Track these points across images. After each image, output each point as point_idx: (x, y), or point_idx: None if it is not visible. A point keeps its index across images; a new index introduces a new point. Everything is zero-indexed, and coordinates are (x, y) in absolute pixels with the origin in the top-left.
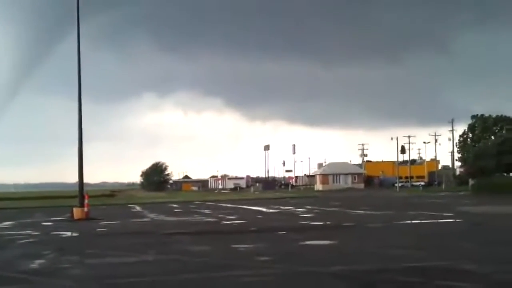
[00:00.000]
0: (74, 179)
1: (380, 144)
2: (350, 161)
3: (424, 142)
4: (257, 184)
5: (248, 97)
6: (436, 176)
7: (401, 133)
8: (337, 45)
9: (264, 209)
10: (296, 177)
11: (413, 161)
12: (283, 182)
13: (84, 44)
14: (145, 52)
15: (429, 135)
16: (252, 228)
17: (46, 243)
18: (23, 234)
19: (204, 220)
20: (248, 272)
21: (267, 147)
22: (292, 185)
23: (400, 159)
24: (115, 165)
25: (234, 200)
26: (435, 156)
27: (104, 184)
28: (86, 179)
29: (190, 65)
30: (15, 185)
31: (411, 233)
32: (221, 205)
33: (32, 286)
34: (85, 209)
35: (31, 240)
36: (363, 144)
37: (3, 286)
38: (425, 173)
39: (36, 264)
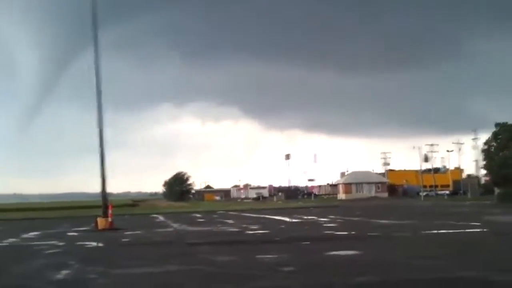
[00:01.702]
0: (97, 189)
1: (402, 153)
2: (373, 170)
3: (448, 151)
4: (280, 194)
5: (265, 106)
6: (461, 185)
7: (424, 142)
8: (355, 51)
9: (287, 219)
10: (319, 186)
11: (436, 170)
12: (305, 191)
13: (102, 54)
14: (163, 61)
15: (453, 143)
16: (276, 238)
17: (72, 253)
18: (49, 244)
19: (227, 230)
20: (273, 283)
21: (288, 156)
22: (314, 195)
23: (423, 168)
24: (137, 175)
25: (256, 209)
26: (459, 165)
27: (127, 194)
28: (109, 189)
29: (207, 74)
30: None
31: (438, 243)
32: (244, 215)
33: None
34: (109, 219)
35: (56, 250)
36: (385, 153)
37: None
38: (450, 182)
39: (62, 274)
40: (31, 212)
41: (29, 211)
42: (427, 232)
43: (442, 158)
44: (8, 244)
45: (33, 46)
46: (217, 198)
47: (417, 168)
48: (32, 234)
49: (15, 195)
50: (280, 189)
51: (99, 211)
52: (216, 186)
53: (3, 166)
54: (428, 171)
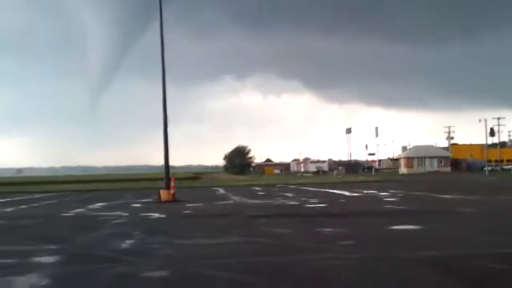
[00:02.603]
0: (160, 161)
1: (467, 127)
2: (436, 144)
3: None
4: (340, 168)
5: (325, 79)
6: None
7: (490, 115)
8: (415, 23)
9: (347, 193)
10: (379, 160)
11: (503, 144)
12: (366, 165)
13: (166, 28)
14: (224, 34)
15: None
16: (335, 212)
17: (136, 224)
18: (114, 215)
19: (287, 203)
20: (332, 256)
21: (348, 130)
22: (375, 169)
23: (489, 142)
24: (198, 148)
25: (316, 183)
26: None
27: (188, 167)
28: (171, 162)
29: (268, 47)
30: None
31: (504, 218)
32: (304, 189)
33: (124, 265)
34: (172, 191)
35: (121, 221)
36: (449, 127)
37: (96, 265)
38: None
39: (127, 244)
40: (96, 183)
41: (94, 183)
42: (491, 207)
43: (510, 131)
44: (75, 214)
45: (101, 23)
46: (277, 171)
47: (483, 142)
48: (98, 205)
49: (80, 167)
50: (340, 163)
51: (162, 184)
52: (276, 159)
53: (70, 140)
54: (494, 145)
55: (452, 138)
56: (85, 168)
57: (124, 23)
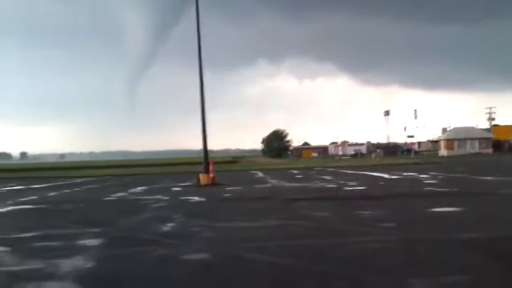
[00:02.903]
0: (198, 146)
1: (509, 107)
2: (477, 125)
3: None
4: (378, 150)
5: (361, 61)
6: None
7: None
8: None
9: (386, 175)
10: (419, 142)
11: None
12: (405, 148)
13: (202, 13)
14: (258, 18)
15: None
16: (375, 194)
17: (176, 207)
18: (155, 199)
19: (325, 186)
20: (372, 238)
21: (387, 113)
22: (415, 151)
23: None
24: (236, 132)
25: (354, 166)
26: None
27: (226, 151)
28: (209, 146)
29: (302, 30)
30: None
31: None
32: (342, 172)
33: (165, 248)
34: (211, 175)
35: (162, 204)
36: (490, 108)
37: (138, 247)
38: None
39: (168, 227)
40: (136, 168)
41: (133, 167)
42: None
43: None
44: (116, 198)
45: (138, 11)
46: (315, 155)
47: None
48: (138, 189)
49: (119, 152)
50: (378, 146)
51: (201, 168)
52: (314, 143)
53: (110, 126)
54: None
55: (494, 119)
56: (124, 153)
57: (160, 10)
